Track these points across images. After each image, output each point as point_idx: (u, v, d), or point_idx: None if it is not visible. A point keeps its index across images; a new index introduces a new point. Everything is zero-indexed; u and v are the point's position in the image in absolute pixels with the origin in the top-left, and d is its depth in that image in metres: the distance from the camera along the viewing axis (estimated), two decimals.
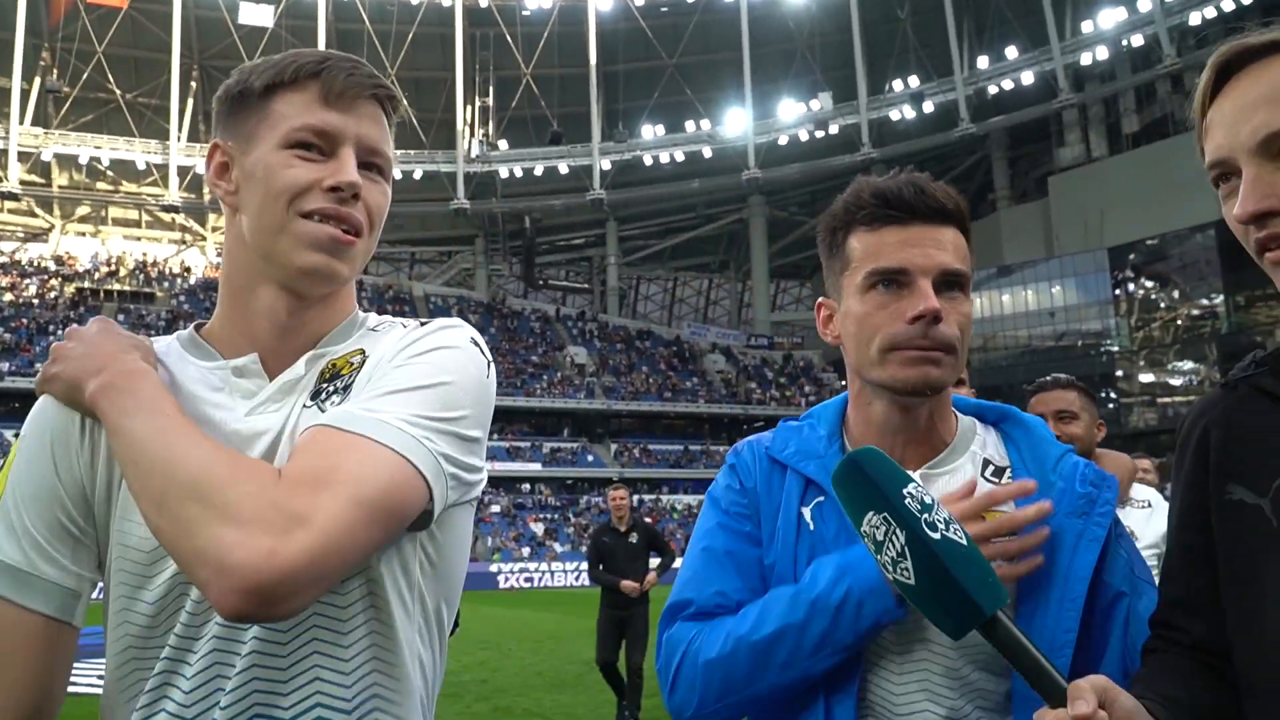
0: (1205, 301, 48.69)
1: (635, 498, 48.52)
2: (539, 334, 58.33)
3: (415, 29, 55.18)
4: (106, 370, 1.06)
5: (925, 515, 1.03)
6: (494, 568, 37.81)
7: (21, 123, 52.35)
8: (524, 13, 56.34)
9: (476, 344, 1.16)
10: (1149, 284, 51.34)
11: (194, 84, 57.67)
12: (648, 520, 8.52)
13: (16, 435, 1.21)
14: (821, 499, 1.36)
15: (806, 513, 1.38)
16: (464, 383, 1.11)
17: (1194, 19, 45.92)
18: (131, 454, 1.00)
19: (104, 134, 55.46)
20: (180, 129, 55.59)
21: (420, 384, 1.07)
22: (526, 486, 47.33)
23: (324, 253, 1.11)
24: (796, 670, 1.27)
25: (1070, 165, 54.17)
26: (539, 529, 43.97)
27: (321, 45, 47.34)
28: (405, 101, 1.22)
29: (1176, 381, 50.26)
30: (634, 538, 8.27)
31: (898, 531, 1.03)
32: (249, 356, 1.15)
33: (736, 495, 1.44)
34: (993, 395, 1.55)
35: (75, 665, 1.10)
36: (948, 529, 1.03)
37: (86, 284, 51.91)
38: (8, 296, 49.10)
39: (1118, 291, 51.13)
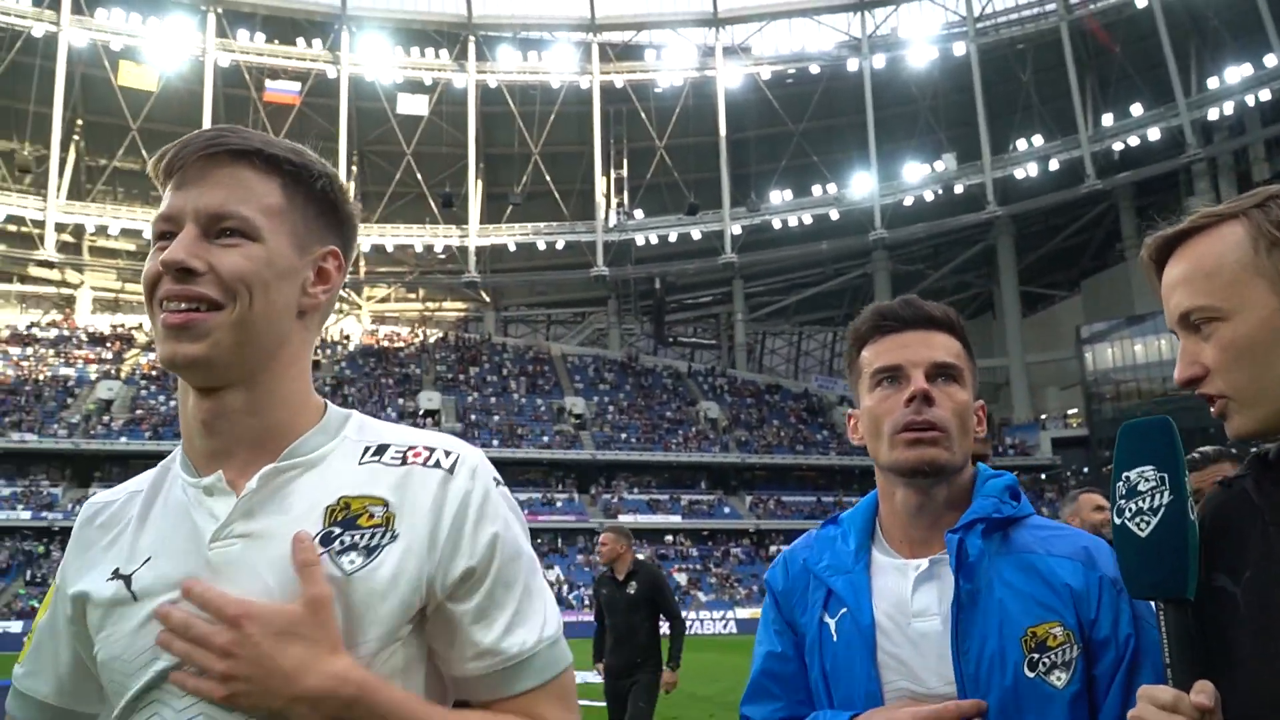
0: None
1: (772, 548, 50.34)
2: (671, 390, 60.57)
3: (556, 109, 59.22)
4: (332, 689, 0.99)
5: (1190, 499, 1.14)
6: None
7: None
8: (656, 90, 59.92)
9: (497, 479, 1.16)
10: None
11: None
12: (655, 565, 7.88)
13: None
14: (845, 611, 1.47)
15: (831, 624, 1.49)
16: (527, 538, 1.16)
17: None
18: None
19: None
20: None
21: (524, 578, 1.12)
22: (669, 538, 49.46)
23: (169, 341, 1.05)
24: None
25: None
26: (682, 579, 45.87)
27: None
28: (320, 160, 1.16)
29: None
30: (632, 588, 6.93)
31: (1164, 492, 1.12)
32: (215, 475, 1.08)
33: (774, 613, 1.59)
34: None
35: None
36: (1195, 515, 1.14)
37: None
38: None
39: None
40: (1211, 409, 1.20)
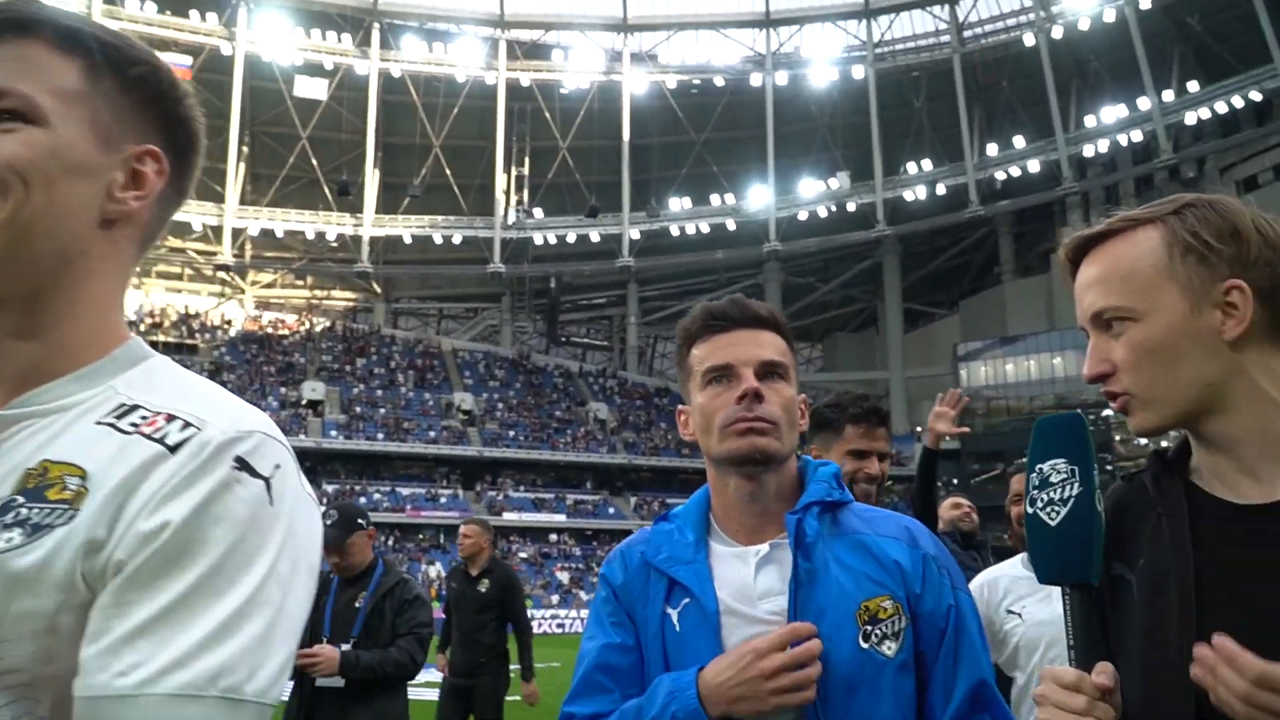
0: None
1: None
2: (562, 390, 60.62)
3: (460, 102, 58.74)
4: None
5: (1098, 491, 1.17)
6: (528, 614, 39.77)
7: None
8: (562, 90, 60.00)
9: (254, 468, 0.84)
10: None
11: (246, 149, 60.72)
12: (510, 565, 7.61)
13: None
14: (688, 601, 1.50)
15: (674, 615, 1.51)
16: (255, 556, 0.82)
17: (1190, 119, 49.40)
18: None
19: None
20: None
21: (188, 590, 0.78)
22: (554, 536, 49.57)
23: None
24: None
25: None
26: (564, 577, 46.05)
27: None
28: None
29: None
30: (484, 586, 6.52)
31: (1075, 484, 1.15)
32: None
33: (612, 605, 1.59)
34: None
35: None
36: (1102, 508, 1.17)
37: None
38: None
39: None
40: (1113, 404, 1.26)
